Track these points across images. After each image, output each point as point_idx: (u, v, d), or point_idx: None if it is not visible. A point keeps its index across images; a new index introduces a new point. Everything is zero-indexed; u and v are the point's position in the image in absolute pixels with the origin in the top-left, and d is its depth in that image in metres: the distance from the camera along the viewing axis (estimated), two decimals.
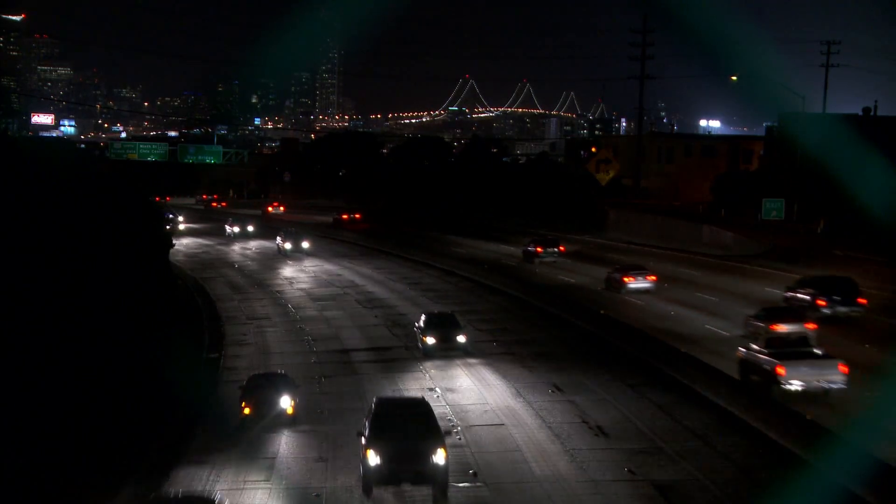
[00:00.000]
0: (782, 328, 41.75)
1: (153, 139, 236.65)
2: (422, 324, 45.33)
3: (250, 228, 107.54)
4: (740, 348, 38.33)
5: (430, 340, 43.80)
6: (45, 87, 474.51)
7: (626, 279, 60.61)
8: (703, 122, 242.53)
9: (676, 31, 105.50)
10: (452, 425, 33.18)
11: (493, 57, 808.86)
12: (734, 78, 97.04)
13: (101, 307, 37.48)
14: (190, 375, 40.40)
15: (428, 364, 42.70)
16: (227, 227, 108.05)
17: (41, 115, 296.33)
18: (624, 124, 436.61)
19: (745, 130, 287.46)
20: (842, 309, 48.31)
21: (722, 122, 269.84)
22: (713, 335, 47.32)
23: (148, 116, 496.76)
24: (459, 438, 31.72)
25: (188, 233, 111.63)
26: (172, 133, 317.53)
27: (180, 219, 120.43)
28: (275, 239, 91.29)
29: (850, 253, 71.04)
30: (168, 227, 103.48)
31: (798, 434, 29.10)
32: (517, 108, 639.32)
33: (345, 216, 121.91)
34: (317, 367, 43.26)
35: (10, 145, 49.28)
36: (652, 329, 47.42)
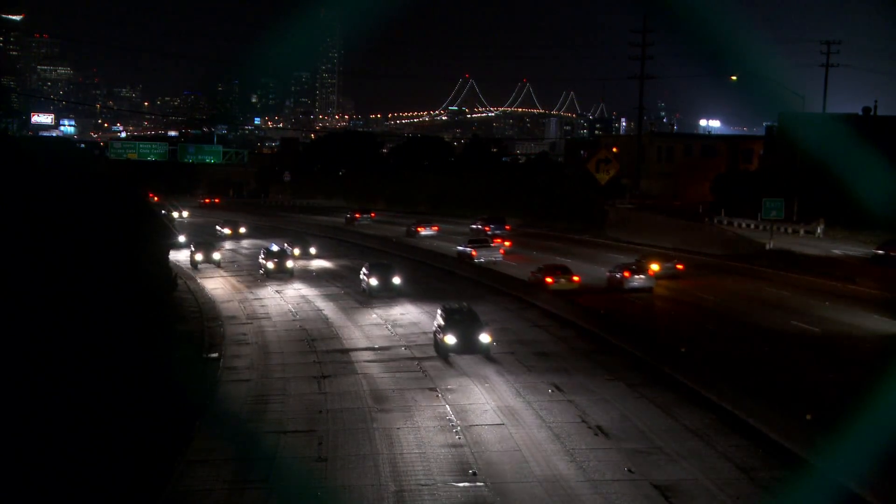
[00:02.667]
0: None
1: (153, 139, 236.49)
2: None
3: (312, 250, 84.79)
4: None
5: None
6: (45, 87, 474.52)
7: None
8: (703, 122, 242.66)
9: (676, 31, 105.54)
10: (452, 425, 33.20)
11: (493, 57, 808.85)
12: (734, 78, 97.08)
13: (100, 307, 37.47)
14: (190, 375, 40.45)
15: (428, 364, 42.69)
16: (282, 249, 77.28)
17: (41, 115, 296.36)
18: (624, 124, 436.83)
19: (745, 130, 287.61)
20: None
21: (722, 122, 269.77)
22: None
23: (148, 116, 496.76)
24: (459, 438, 31.74)
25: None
26: (172, 133, 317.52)
27: (242, 230, 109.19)
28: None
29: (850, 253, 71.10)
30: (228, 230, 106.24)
31: (798, 434, 29.10)
32: (517, 107, 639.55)
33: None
34: (316, 366, 43.29)
35: (11, 145, 49.26)
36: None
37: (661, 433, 31.87)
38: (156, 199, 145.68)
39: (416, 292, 61.82)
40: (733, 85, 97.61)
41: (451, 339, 42.12)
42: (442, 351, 43.13)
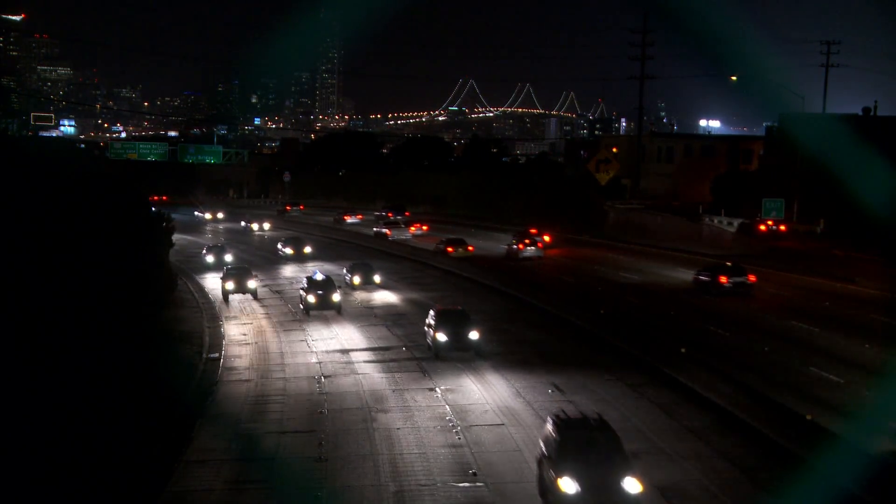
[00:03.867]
0: None
1: (153, 139, 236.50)
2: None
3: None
4: None
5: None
6: (45, 87, 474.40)
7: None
8: (703, 122, 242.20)
9: (676, 31, 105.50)
10: (452, 425, 33.21)
11: (493, 57, 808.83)
12: (734, 78, 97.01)
13: (100, 307, 37.48)
14: (190, 375, 40.47)
15: (427, 364, 42.69)
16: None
17: (41, 115, 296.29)
18: (624, 124, 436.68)
19: (745, 130, 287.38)
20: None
21: (722, 122, 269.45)
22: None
23: (148, 116, 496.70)
24: (459, 438, 31.74)
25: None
26: (172, 133, 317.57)
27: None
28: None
29: (850, 253, 71.08)
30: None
31: (798, 434, 29.10)
32: (517, 108, 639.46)
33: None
34: (316, 366, 43.30)
35: (11, 145, 49.27)
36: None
37: (661, 433, 31.85)
38: (163, 198, 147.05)
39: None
40: (733, 85, 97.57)
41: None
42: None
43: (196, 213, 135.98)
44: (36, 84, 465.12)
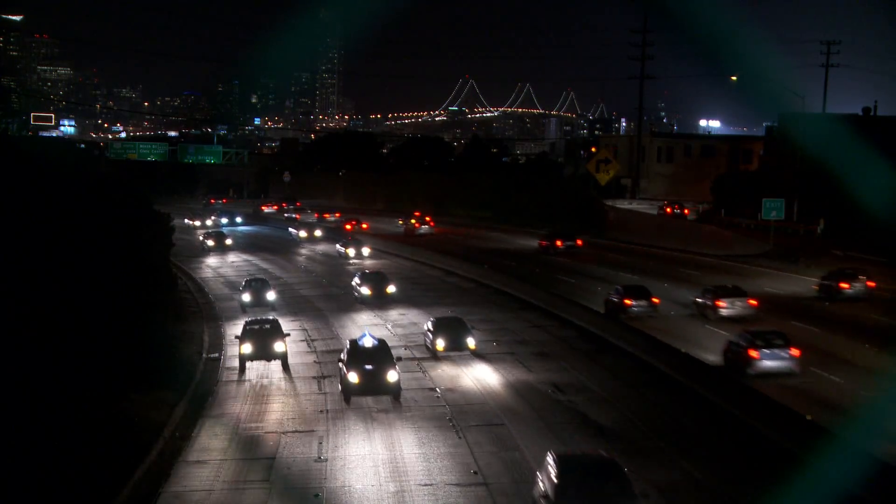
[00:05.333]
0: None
1: (153, 139, 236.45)
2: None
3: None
4: None
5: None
6: (45, 87, 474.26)
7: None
8: (703, 122, 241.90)
9: (676, 31, 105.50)
10: (453, 425, 33.20)
11: (493, 57, 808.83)
12: (734, 78, 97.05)
13: (100, 307, 37.47)
14: (189, 375, 40.45)
15: (427, 364, 42.71)
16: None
17: (41, 115, 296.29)
18: (624, 124, 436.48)
19: (745, 130, 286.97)
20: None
21: (722, 122, 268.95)
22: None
23: (148, 116, 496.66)
24: (460, 438, 31.74)
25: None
26: (172, 133, 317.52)
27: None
28: None
29: (850, 253, 71.07)
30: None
31: (798, 434, 29.10)
32: (517, 108, 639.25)
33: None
34: (317, 366, 43.29)
35: (10, 145, 49.29)
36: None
37: (661, 433, 31.86)
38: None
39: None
40: (733, 85, 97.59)
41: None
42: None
43: (291, 230, 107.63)
44: (36, 84, 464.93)
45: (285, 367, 42.70)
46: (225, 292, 66.53)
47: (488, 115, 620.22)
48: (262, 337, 42.79)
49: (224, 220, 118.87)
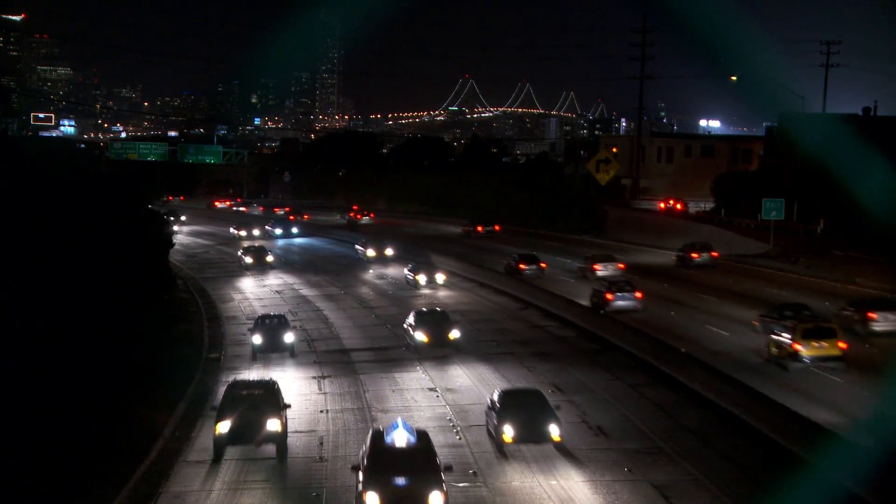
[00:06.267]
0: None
1: (153, 139, 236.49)
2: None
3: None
4: None
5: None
6: (45, 87, 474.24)
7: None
8: (703, 122, 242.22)
9: (676, 31, 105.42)
10: (452, 425, 33.21)
11: (493, 57, 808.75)
12: (734, 78, 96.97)
13: (100, 308, 37.48)
14: (190, 375, 40.43)
15: (428, 364, 42.70)
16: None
17: (41, 115, 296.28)
18: (624, 124, 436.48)
19: (745, 130, 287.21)
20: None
21: (722, 122, 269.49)
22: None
23: (148, 116, 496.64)
24: (459, 438, 31.74)
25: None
26: (172, 133, 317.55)
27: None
28: None
29: (850, 253, 71.02)
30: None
31: (798, 434, 29.11)
32: (517, 108, 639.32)
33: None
34: (317, 366, 43.27)
35: (10, 145, 49.29)
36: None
37: (661, 433, 31.87)
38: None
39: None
40: (733, 85, 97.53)
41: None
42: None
43: (358, 247, 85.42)
44: (36, 84, 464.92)
45: (280, 456, 30.01)
46: (240, 334, 50.81)
47: (488, 115, 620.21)
48: (250, 409, 30.25)
49: (278, 231, 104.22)
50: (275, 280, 72.06)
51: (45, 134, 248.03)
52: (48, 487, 26.33)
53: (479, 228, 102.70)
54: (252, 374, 41.19)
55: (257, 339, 44.83)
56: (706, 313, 53.25)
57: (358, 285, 69.18)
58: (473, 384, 39.07)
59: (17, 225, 35.10)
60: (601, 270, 65.84)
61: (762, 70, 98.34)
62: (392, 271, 74.86)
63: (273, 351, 44.89)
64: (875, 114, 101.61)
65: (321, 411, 35.59)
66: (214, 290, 67.05)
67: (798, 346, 38.59)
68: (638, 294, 54.07)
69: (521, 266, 68.44)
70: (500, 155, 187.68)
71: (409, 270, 68.18)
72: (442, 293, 64.00)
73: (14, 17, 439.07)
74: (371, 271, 76.01)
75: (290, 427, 31.83)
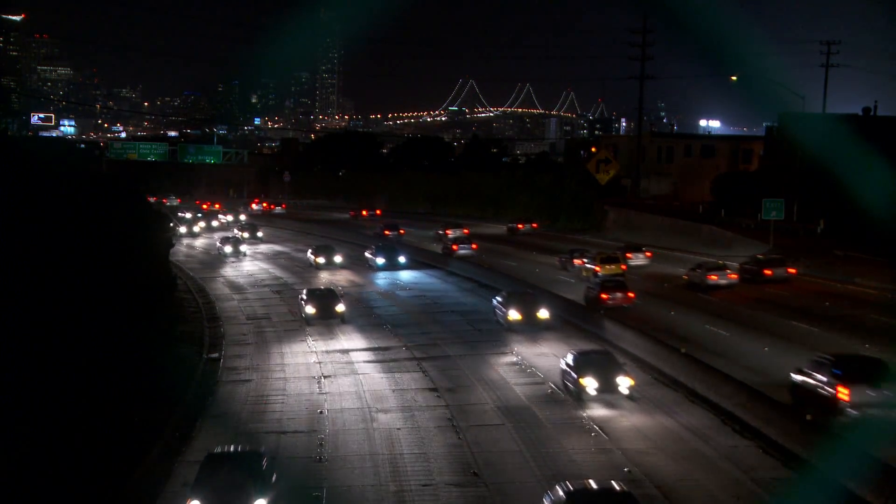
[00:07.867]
0: None
1: (153, 139, 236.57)
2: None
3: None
4: None
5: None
6: (45, 87, 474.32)
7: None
8: (703, 122, 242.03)
9: (676, 31, 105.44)
10: (453, 425, 33.21)
11: (493, 57, 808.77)
12: (734, 78, 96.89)
13: (100, 308, 37.48)
14: (190, 375, 40.46)
15: (428, 364, 42.72)
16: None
17: (41, 115, 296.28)
18: (624, 124, 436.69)
19: (745, 130, 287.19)
20: None
21: (722, 122, 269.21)
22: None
23: (148, 116, 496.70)
24: (460, 438, 31.74)
25: None
26: (172, 133, 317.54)
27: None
28: None
29: (850, 253, 70.99)
30: None
31: (798, 434, 29.10)
32: (517, 108, 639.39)
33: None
34: (316, 366, 43.29)
35: (10, 145, 49.29)
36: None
37: (661, 433, 31.88)
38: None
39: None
40: (733, 85, 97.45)
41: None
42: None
43: (497, 303, 53.10)
44: (36, 84, 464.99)
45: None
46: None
47: (488, 115, 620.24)
48: (229, 489, 24.87)
49: (380, 261, 74.52)
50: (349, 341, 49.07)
51: (45, 134, 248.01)
52: (48, 487, 26.32)
53: (363, 213, 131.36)
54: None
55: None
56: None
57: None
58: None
59: (17, 225, 35.09)
60: (452, 234, 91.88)
61: (762, 70, 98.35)
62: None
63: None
64: (875, 114, 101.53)
65: (320, 412, 35.55)
66: None
67: (597, 268, 65.06)
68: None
69: (454, 247, 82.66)
70: (501, 155, 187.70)
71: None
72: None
73: (14, 17, 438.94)
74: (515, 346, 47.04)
75: (290, 427, 31.77)
